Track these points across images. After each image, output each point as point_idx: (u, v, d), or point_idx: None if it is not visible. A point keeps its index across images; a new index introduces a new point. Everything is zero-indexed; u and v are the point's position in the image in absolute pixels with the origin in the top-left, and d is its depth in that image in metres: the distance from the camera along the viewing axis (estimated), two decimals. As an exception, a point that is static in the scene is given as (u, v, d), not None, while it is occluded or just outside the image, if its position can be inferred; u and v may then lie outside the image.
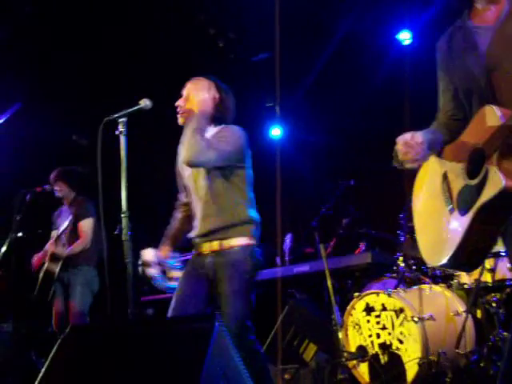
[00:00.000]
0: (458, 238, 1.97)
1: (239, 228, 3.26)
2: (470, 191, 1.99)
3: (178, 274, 3.49)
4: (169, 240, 3.53)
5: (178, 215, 3.59)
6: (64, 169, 5.57)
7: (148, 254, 3.40)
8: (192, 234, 3.38)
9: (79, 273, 5.32)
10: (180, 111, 3.36)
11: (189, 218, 3.46)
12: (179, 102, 3.38)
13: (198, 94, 3.34)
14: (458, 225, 2.00)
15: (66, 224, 5.23)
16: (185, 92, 3.41)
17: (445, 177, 2.17)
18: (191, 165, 3.26)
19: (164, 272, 3.48)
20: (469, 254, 2.00)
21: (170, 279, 3.49)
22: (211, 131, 3.36)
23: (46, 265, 5.29)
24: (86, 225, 5.29)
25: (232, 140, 3.28)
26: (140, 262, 3.36)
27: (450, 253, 1.99)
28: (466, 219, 1.97)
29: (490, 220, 1.95)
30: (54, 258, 5.27)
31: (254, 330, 3.28)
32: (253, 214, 3.36)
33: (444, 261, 2.03)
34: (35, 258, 5.41)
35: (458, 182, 2.08)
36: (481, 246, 2.00)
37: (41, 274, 5.32)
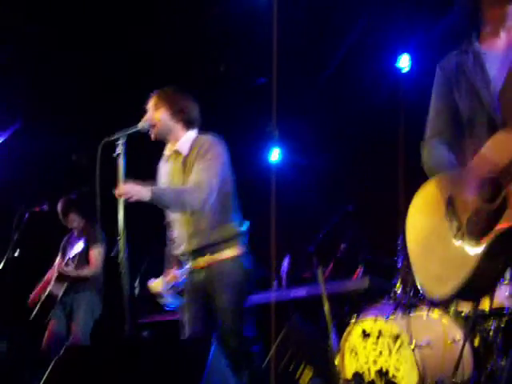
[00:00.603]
0: (469, 266, 1.83)
1: (228, 240, 3.26)
2: (487, 215, 1.85)
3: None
4: (171, 261, 3.53)
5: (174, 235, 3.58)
6: (71, 199, 5.53)
7: (156, 286, 3.38)
8: (178, 252, 3.38)
9: (83, 298, 5.32)
10: (152, 127, 3.37)
11: None
12: (149, 116, 3.38)
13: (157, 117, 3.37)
14: (468, 252, 1.87)
15: (78, 249, 5.18)
16: (151, 108, 3.41)
17: (450, 201, 2.04)
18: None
19: (178, 293, 3.46)
20: (481, 281, 1.85)
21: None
22: (189, 136, 3.35)
23: (50, 286, 5.25)
24: (97, 253, 5.30)
25: (215, 157, 3.28)
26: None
27: (460, 282, 1.85)
28: (481, 245, 1.83)
29: (507, 247, 1.82)
30: (61, 279, 5.24)
31: (255, 341, 3.26)
32: (240, 224, 3.37)
33: (451, 292, 1.89)
34: (36, 291, 5.39)
35: (469, 207, 1.95)
36: (493, 274, 1.88)
37: (42, 297, 5.29)
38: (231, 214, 3.33)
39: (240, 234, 3.32)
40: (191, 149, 3.33)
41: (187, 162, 3.30)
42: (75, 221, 5.49)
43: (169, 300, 3.35)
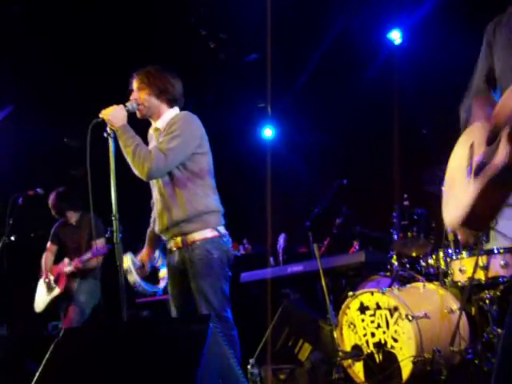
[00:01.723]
0: (470, 198, 2.05)
1: (200, 220, 3.23)
2: (488, 157, 2.03)
3: (163, 283, 3.49)
4: (149, 241, 3.54)
5: (153, 215, 3.58)
6: (61, 196, 5.51)
7: (126, 261, 3.36)
8: (156, 231, 3.39)
9: (85, 284, 5.37)
10: (139, 106, 3.36)
11: None
12: (135, 96, 3.38)
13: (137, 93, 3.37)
14: (471, 187, 2.08)
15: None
16: (135, 89, 3.41)
17: (471, 146, 2.21)
18: (152, 178, 3.26)
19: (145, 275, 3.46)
20: (480, 210, 2.07)
21: (161, 280, 3.49)
22: (171, 113, 3.38)
23: (64, 283, 5.33)
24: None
25: (183, 130, 3.25)
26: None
27: (464, 211, 2.07)
28: (477, 183, 2.04)
29: (498, 186, 2.01)
30: (73, 275, 5.33)
31: (233, 323, 3.24)
32: (214, 203, 3.33)
33: (458, 219, 2.10)
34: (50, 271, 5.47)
35: (479, 150, 2.13)
36: (491, 206, 2.07)
37: (57, 290, 5.35)
38: (206, 192, 3.28)
39: (214, 213, 3.28)
40: (167, 124, 3.33)
41: (160, 136, 3.31)
42: (72, 216, 5.52)
43: (137, 280, 3.32)
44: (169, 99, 3.40)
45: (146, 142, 3.41)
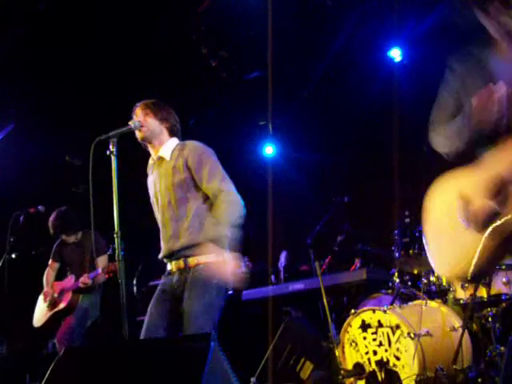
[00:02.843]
0: (480, 253, 2.01)
1: (208, 246, 3.24)
2: (490, 210, 2.02)
3: None
4: None
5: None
6: (60, 219, 5.54)
7: None
8: (160, 256, 3.40)
9: (87, 298, 5.38)
10: (142, 127, 3.40)
11: None
12: (140, 118, 3.42)
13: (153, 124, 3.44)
14: (474, 240, 2.05)
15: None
16: (139, 113, 3.46)
17: (461, 195, 2.19)
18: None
19: None
20: (487, 267, 2.05)
21: None
22: (172, 143, 3.45)
23: (69, 299, 5.35)
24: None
25: (214, 162, 3.35)
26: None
27: (474, 267, 2.03)
28: (483, 236, 2.01)
29: (505, 238, 1.99)
30: (78, 291, 5.35)
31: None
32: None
33: (460, 273, 2.08)
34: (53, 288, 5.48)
35: (478, 201, 2.10)
36: (494, 260, 2.06)
37: (61, 305, 5.36)
38: (213, 221, 3.28)
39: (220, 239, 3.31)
40: (174, 154, 3.39)
41: (169, 166, 3.35)
42: (72, 237, 5.55)
43: None
44: (170, 128, 3.48)
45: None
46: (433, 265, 2.27)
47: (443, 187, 2.34)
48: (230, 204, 3.23)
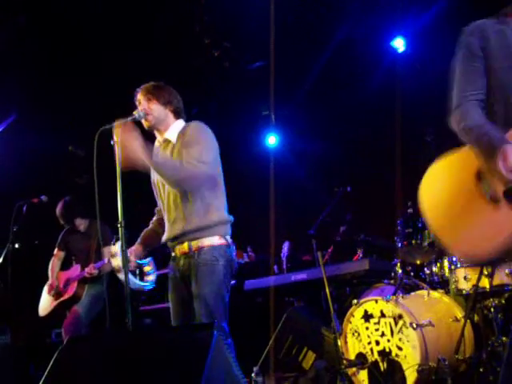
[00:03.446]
0: (507, 230, 1.98)
1: (211, 229, 3.25)
2: None
3: (151, 277, 3.49)
4: (142, 239, 3.55)
5: (154, 218, 3.64)
6: (68, 205, 5.54)
7: (115, 247, 3.39)
8: (163, 239, 3.40)
9: (92, 288, 5.38)
10: (147, 115, 3.39)
11: (162, 221, 3.48)
12: (144, 106, 3.40)
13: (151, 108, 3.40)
14: (505, 218, 2.00)
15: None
16: (142, 100, 3.43)
17: (477, 174, 2.16)
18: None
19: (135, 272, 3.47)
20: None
21: (143, 278, 3.48)
22: (178, 125, 3.43)
23: (75, 289, 5.37)
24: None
25: (209, 142, 3.31)
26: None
27: (500, 244, 1.98)
28: None
29: None
30: (83, 281, 5.36)
31: (229, 334, 3.23)
32: (227, 213, 3.36)
33: (490, 253, 2.02)
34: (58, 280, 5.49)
35: (503, 180, 2.06)
36: None
37: (66, 295, 5.38)
38: (221, 202, 3.32)
39: (223, 223, 3.31)
40: (179, 136, 3.37)
41: (175, 148, 3.32)
42: (81, 224, 5.55)
43: (121, 266, 3.25)
44: (174, 110, 3.46)
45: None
46: (450, 249, 2.20)
47: (443, 172, 2.31)
48: (186, 170, 3.15)
